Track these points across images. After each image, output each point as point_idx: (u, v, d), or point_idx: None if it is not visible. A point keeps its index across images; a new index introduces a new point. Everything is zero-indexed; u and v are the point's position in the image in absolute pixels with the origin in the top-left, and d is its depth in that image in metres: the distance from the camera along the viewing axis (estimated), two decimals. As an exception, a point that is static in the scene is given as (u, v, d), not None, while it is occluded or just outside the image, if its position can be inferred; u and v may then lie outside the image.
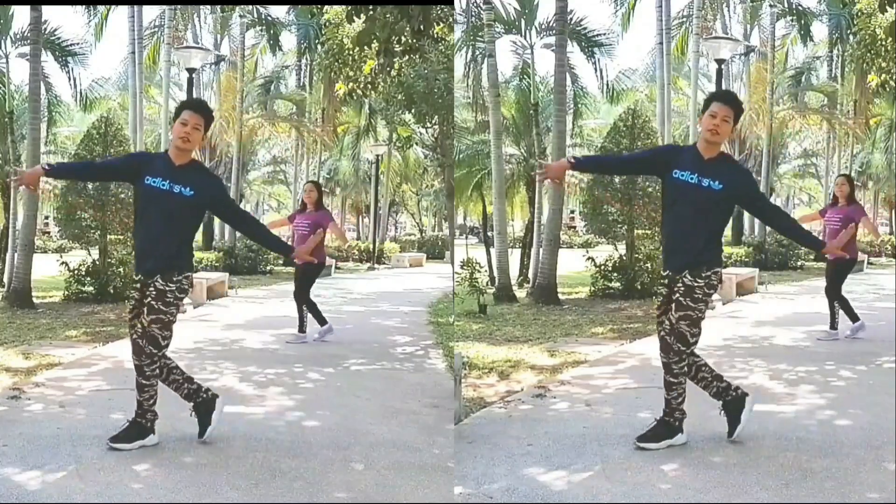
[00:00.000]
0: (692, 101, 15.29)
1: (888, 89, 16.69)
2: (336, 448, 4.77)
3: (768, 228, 17.43)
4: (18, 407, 5.59)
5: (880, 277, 15.06)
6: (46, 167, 4.83)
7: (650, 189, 11.95)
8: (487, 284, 12.47)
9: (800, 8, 17.67)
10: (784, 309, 10.98)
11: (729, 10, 17.60)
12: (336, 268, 18.93)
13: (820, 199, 20.08)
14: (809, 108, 19.02)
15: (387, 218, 25.09)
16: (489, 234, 16.22)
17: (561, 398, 5.92)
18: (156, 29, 16.64)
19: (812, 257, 16.35)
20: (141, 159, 4.94)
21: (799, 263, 16.88)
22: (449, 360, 7.58)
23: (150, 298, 4.59)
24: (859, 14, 16.65)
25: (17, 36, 14.66)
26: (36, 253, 11.78)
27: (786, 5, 17.68)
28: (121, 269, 11.82)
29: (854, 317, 8.52)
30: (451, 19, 12.35)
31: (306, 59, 19.53)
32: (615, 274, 12.20)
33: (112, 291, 11.75)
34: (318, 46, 18.28)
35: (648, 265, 11.95)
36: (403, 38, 10.15)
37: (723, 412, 4.83)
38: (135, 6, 14.46)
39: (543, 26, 15.60)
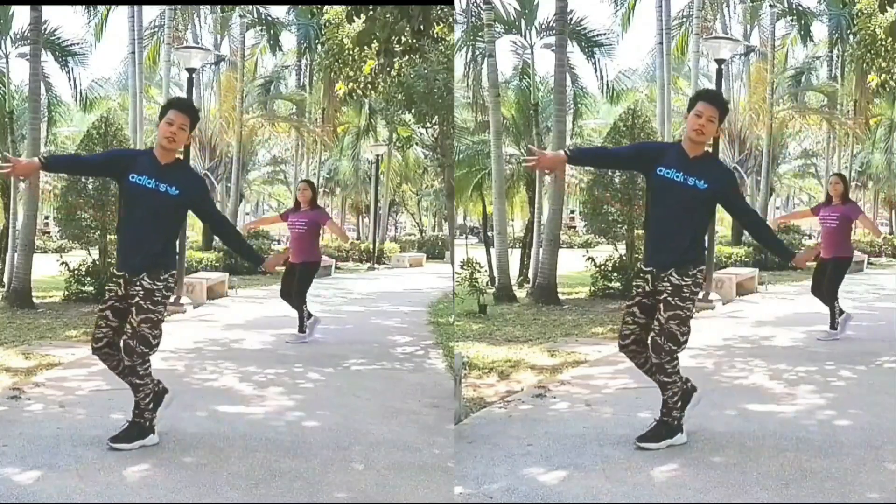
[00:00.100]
0: (692, 102, 15.26)
1: (888, 89, 16.69)
2: (336, 448, 4.77)
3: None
4: (18, 407, 5.59)
5: (880, 277, 15.06)
6: (43, 160, 4.78)
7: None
8: (487, 284, 12.47)
9: (800, 8, 17.67)
10: (784, 309, 10.98)
11: (729, 10, 17.62)
12: (336, 268, 18.94)
13: (820, 199, 19.88)
14: (809, 108, 19.03)
15: (387, 218, 25.09)
16: (489, 234, 16.22)
17: (561, 398, 5.92)
18: (156, 29, 16.65)
19: (812, 258, 16.33)
20: (126, 156, 4.92)
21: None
22: (449, 360, 7.58)
23: (137, 298, 4.59)
24: (859, 14, 16.65)
25: (17, 36, 14.67)
26: (36, 253, 11.78)
27: (786, 5, 17.69)
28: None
29: (834, 324, 8.49)
30: (451, 19, 12.35)
31: (306, 59, 19.54)
32: (615, 274, 12.20)
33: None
34: (318, 46, 18.28)
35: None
36: (403, 38, 10.15)
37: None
38: (135, 6, 14.46)
39: (543, 26, 15.61)
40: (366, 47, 10.70)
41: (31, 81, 12.14)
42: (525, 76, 16.57)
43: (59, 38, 15.60)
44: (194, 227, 17.18)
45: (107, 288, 4.77)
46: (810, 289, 8.76)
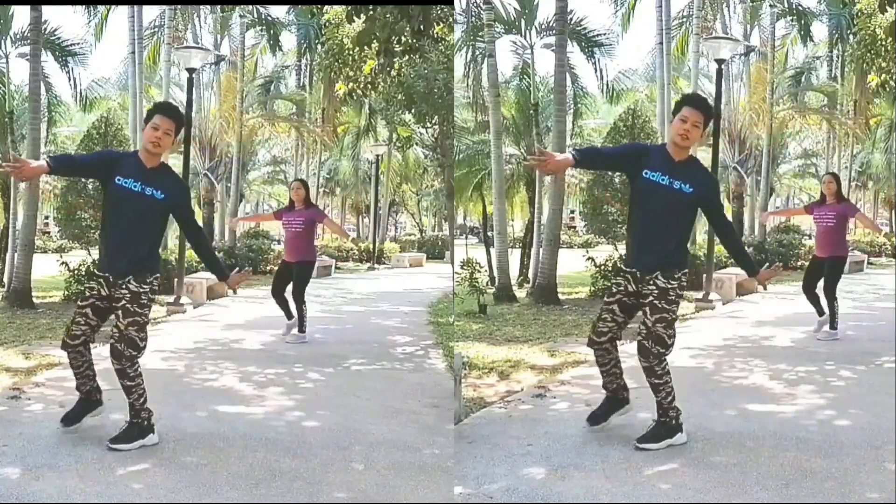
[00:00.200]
0: (692, 101, 15.24)
1: (888, 89, 16.68)
2: (336, 448, 4.78)
3: (768, 228, 17.54)
4: (18, 407, 5.59)
5: (880, 277, 15.07)
6: (50, 163, 4.68)
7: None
8: (487, 284, 12.47)
9: (800, 8, 17.65)
10: (784, 309, 10.97)
11: (729, 10, 17.57)
12: (336, 268, 18.94)
13: (820, 199, 19.99)
14: (809, 108, 19.01)
15: (387, 218, 25.08)
16: (489, 234, 16.21)
17: (561, 398, 5.92)
18: (156, 29, 16.62)
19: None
20: (111, 158, 4.92)
21: (799, 263, 16.86)
22: (449, 360, 7.58)
23: (124, 301, 4.62)
24: (859, 14, 16.64)
25: (17, 36, 14.64)
26: (36, 253, 11.78)
27: (786, 5, 17.67)
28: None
29: (834, 324, 8.50)
30: (451, 19, 12.35)
31: (306, 59, 19.52)
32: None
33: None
34: (318, 46, 18.27)
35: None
36: (403, 38, 10.15)
37: (604, 402, 5.00)
38: (135, 6, 14.45)
39: (543, 26, 15.59)
40: (366, 47, 10.70)
41: (31, 81, 12.14)
42: (525, 76, 16.55)
43: (59, 38, 15.59)
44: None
45: (87, 286, 4.80)
46: (803, 291, 8.76)
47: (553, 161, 4.59)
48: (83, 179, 12.10)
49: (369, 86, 15.72)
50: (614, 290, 4.84)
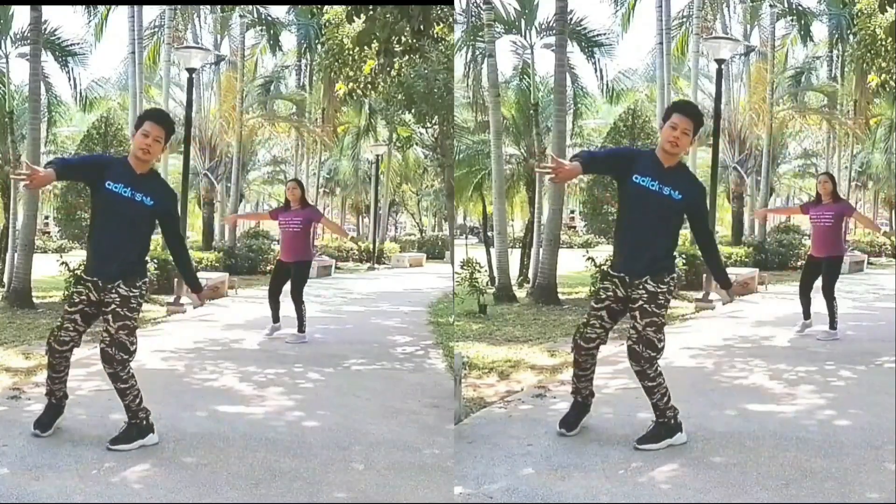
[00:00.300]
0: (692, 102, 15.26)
1: (888, 89, 16.68)
2: (336, 448, 4.78)
3: (768, 228, 17.54)
4: (18, 407, 5.59)
5: (880, 277, 15.07)
6: (56, 170, 4.60)
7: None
8: (487, 284, 12.47)
9: (800, 8, 17.65)
10: (784, 309, 10.96)
11: (729, 10, 17.58)
12: (336, 268, 18.94)
13: (820, 199, 19.98)
14: (809, 108, 19.01)
15: (387, 218, 25.07)
16: (489, 234, 16.21)
17: (561, 398, 5.91)
18: (156, 29, 16.63)
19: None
20: (101, 162, 4.93)
21: (799, 263, 16.86)
22: (449, 360, 7.58)
23: (114, 305, 4.63)
24: (859, 14, 16.64)
25: (17, 36, 14.65)
26: (36, 253, 11.78)
27: (786, 5, 17.67)
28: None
29: (833, 324, 8.50)
30: (451, 19, 12.35)
31: (306, 59, 19.52)
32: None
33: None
34: (318, 46, 18.27)
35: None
36: (403, 38, 10.15)
37: (573, 408, 5.01)
38: (135, 6, 14.46)
39: (543, 26, 15.60)
40: (366, 47, 10.70)
41: (31, 81, 12.13)
42: (525, 76, 16.56)
43: (59, 38, 15.60)
44: (194, 227, 17.21)
45: (75, 291, 4.79)
46: (799, 290, 8.76)
47: (564, 170, 4.50)
48: (83, 180, 12.09)
49: (369, 86, 15.73)
50: (602, 295, 4.83)
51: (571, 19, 15.06)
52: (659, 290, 4.65)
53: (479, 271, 11.13)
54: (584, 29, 16.04)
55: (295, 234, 8.72)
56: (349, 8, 10.12)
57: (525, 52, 16.38)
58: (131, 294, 4.66)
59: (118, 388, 4.70)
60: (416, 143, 17.68)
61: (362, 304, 12.77)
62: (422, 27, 9.44)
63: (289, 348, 8.39)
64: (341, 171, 22.57)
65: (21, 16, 14.47)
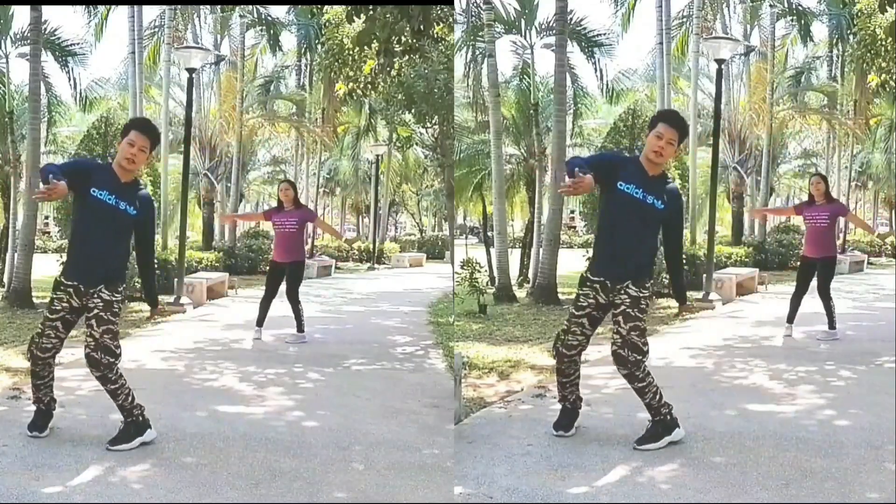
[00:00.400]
0: (692, 101, 15.28)
1: (888, 89, 16.68)
2: (336, 448, 4.78)
3: (768, 228, 17.55)
4: (18, 407, 5.59)
5: (880, 277, 15.07)
6: (63, 180, 4.54)
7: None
8: (487, 284, 12.47)
9: (800, 8, 17.66)
10: (784, 309, 10.91)
11: (729, 10, 17.58)
12: (336, 268, 18.94)
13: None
14: (809, 108, 19.01)
15: (387, 218, 25.07)
16: (489, 234, 16.21)
17: (561, 398, 5.91)
18: (156, 29, 16.62)
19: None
20: (87, 168, 4.92)
21: (798, 263, 16.87)
22: (449, 360, 7.58)
23: (97, 310, 4.66)
24: (859, 14, 16.64)
25: (17, 36, 14.65)
26: (36, 253, 11.78)
27: (786, 5, 17.67)
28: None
29: (832, 323, 8.51)
30: (451, 19, 12.35)
31: (306, 59, 19.52)
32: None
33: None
34: (318, 46, 18.27)
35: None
36: (403, 38, 10.14)
37: (564, 414, 4.99)
38: (135, 6, 14.45)
39: (543, 26, 15.60)
40: (366, 47, 10.69)
41: (31, 81, 12.14)
42: (525, 76, 16.56)
43: (59, 38, 15.59)
44: (193, 226, 17.20)
45: (55, 297, 4.78)
46: (793, 292, 8.76)
47: (583, 185, 4.41)
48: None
49: (369, 86, 15.73)
50: (584, 302, 4.82)
51: (571, 19, 15.06)
52: (641, 295, 4.69)
53: (479, 271, 11.13)
54: (584, 29, 16.04)
55: (290, 235, 8.74)
56: (349, 8, 10.10)
57: (525, 52, 16.38)
58: (114, 299, 4.69)
59: (109, 390, 4.72)
60: (416, 143, 17.69)
61: (362, 304, 12.77)
62: (422, 27, 9.43)
63: (289, 348, 8.39)
64: (341, 171, 22.57)
65: (21, 16, 14.49)
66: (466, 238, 25.35)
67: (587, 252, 12.57)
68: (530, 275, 13.60)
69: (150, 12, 16.36)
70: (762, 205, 17.48)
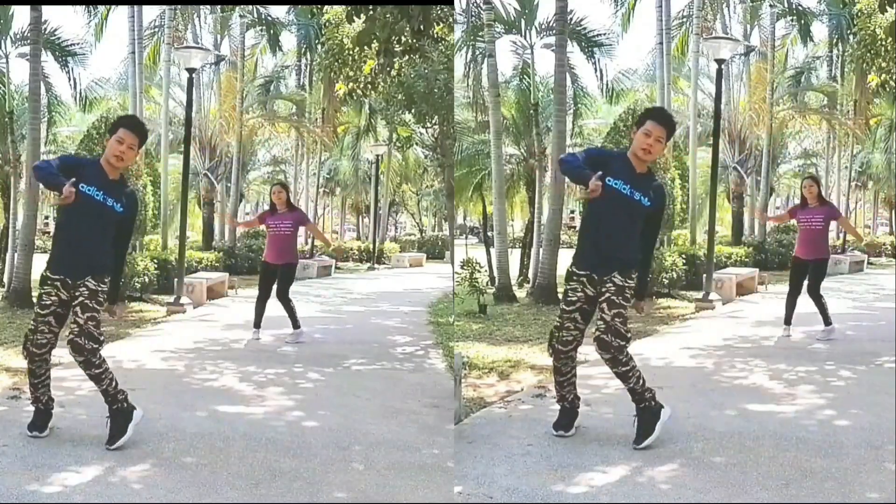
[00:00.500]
0: (692, 101, 15.27)
1: (888, 89, 16.67)
2: (336, 448, 4.78)
3: (768, 228, 17.53)
4: (18, 407, 5.59)
5: (880, 277, 15.06)
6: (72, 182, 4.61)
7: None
8: (487, 284, 12.47)
9: (800, 8, 17.65)
10: (784, 309, 10.96)
11: (729, 10, 17.56)
12: (336, 268, 18.94)
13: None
14: (809, 108, 19.00)
15: (387, 218, 25.05)
16: (489, 234, 16.21)
17: (561, 398, 5.91)
18: (156, 29, 16.60)
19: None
20: (75, 164, 4.95)
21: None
22: (449, 360, 7.58)
23: (83, 298, 4.72)
24: (859, 14, 16.63)
25: (17, 36, 14.64)
26: (36, 253, 11.76)
27: (786, 5, 17.66)
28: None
29: (827, 320, 8.53)
30: (451, 19, 12.34)
31: (306, 59, 19.51)
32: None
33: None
34: (318, 46, 18.26)
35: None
36: (403, 38, 10.14)
37: (564, 414, 4.99)
38: (135, 6, 14.45)
39: (543, 26, 15.59)
40: (366, 47, 10.68)
41: (31, 81, 12.14)
42: (525, 76, 16.55)
43: (59, 38, 15.58)
44: (193, 226, 17.18)
45: (44, 291, 4.83)
46: (788, 294, 8.77)
47: (596, 191, 4.56)
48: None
49: (369, 86, 15.73)
50: (573, 297, 4.87)
51: (571, 19, 15.05)
52: (626, 285, 4.74)
53: (479, 271, 11.13)
54: (584, 29, 16.03)
55: (285, 237, 8.76)
56: (349, 8, 10.10)
57: (525, 52, 16.38)
58: (99, 288, 4.76)
59: (92, 375, 4.75)
60: (416, 143, 17.68)
61: (362, 304, 12.76)
62: (422, 27, 9.43)
63: (289, 348, 8.39)
64: (341, 171, 22.56)
65: (21, 16, 14.47)
66: (466, 238, 25.34)
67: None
68: (530, 275, 13.60)
69: (150, 12, 16.35)
70: (762, 205, 17.47)
